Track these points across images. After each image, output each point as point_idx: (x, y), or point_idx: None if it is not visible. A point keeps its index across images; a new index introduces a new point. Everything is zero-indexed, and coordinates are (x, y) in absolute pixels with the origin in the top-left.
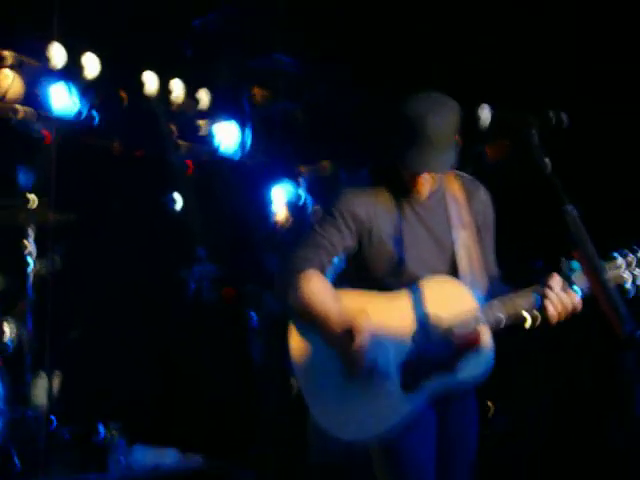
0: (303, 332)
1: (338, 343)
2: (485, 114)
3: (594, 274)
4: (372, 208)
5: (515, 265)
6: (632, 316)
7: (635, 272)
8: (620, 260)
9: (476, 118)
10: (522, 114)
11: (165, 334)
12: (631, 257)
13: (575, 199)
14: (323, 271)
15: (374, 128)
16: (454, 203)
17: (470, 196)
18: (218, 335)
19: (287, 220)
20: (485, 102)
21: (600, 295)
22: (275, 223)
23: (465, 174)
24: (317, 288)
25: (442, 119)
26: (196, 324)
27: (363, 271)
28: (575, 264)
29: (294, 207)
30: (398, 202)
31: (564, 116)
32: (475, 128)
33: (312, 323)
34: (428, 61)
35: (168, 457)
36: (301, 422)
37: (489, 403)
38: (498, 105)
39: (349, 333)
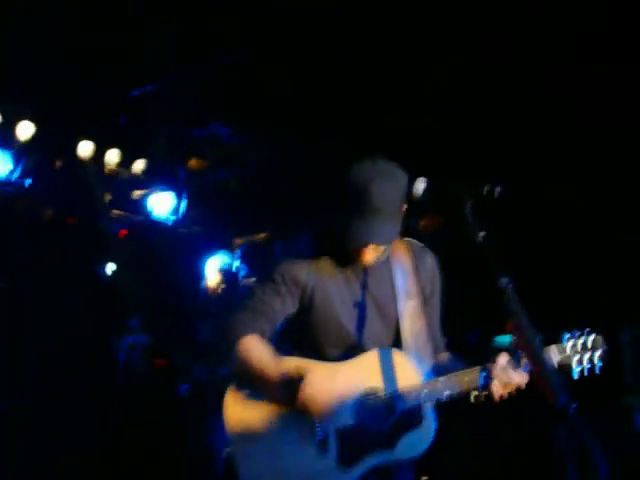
0: (243, 400)
1: (280, 397)
2: (421, 187)
3: (528, 347)
4: (314, 275)
5: (450, 337)
6: (566, 389)
7: (584, 355)
8: (571, 341)
9: (412, 190)
10: (457, 187)
11: (96, 403)
12: (582, 338)
13: (511, 271)
14: (263, 337)
15: (315, 197)
16: (401, 271)
17: (418, 263)
18: (148, 405)
19: (219, 287)
20: (421, 175)
21: (535, 368)
22: (206, 289)
23: (413, 240)
24: (257, 349)
25: (388, 187)
26: (126, 394)
27: (304, 338)
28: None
29: (227, 275)
30: (342, 270)
31: (498, 189)
32: (410, 200)
33: (252, 383)
34: (365, 133)
35: None
36: None
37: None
38: (434, 178)
39: (291, 385)
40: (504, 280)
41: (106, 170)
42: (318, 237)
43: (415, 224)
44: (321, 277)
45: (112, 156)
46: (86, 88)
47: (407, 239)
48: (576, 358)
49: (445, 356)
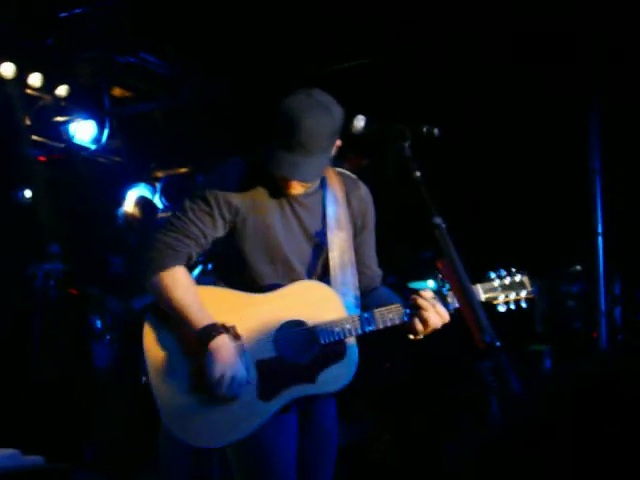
0: (160, 332)
1: (194, 350)
2: (360, 124)
3: (458, 284)
4: (248, 199)
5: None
6: (492, 327)
7: (509, 295)
8: (496, 281)
9: (351, 128)
10: (396, 126)
11: (8, 333)
12: (507, 279)
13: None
14: (190, 259)
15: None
16: (332, 202)
17: (350, 195)
18: (61, 336)
19: (136, 215)
20: (360, 113)
21: (463, 305)
22: (123, 216)
23: (347, 172)
24: (179, 285)
25: (318, 123)
26: (40, 324)
27: (235, 261)
28: (448, 285)
29: (146, 206)
30: (274, 197)
31: (436, 130)
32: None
33: (173, 321)
34: (301, 68)
35: (6, 456)
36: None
37: None
38: (372, 117)
39: (205, 339)
40: (437, 219)
41: (28, 95)
42: (250, 164)
43: (339, 165)
44: (253, 203)
45: (35, 79)
46: (11, 7)
47: (341, 170)
48: (502, 297)
49: (379, 290)
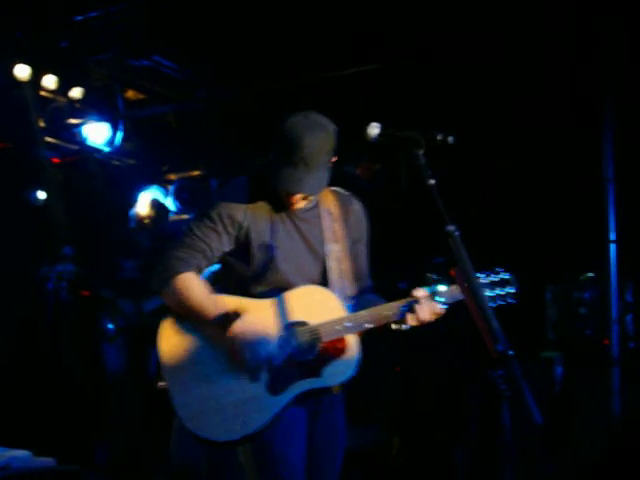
0: (176, 334)
1: (215, 333)
2: (375, 131)
3: (471, 293)
4: (251, 215)
5: (382, 282)
6: (505, 335)
7: (496, 291)
8: (483, 280)
9: (365, 135)
10: (410, 133)
11: (20, 335)
12: (493, 278)
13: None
14: (200, 273)
15: (252, 142)
16: (328, 218)
17: (345, 211)
18: (72, 338)
19: (148, 218)
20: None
21: (476, 314)
22: (135, 218)
23: (340, 190)
24: (195, 286)
25: (317, 141)
26: (51, 326)
27: (239, 275)
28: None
29: (159, 209)
30: (276, 212)
31: (450, 138)
32: (356, 146)
33: (189, 317)
34: (315, 75)
35: (18, 457)
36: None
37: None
38: (387, 124)
39: (225, 321)
40: (451, 227)
41: (42, 97)
42: (253, 181)
43: (352, 170)
44: (256, 218)
45: (49, 81)
46: (26, 10)
47: (334, 188)
48: (489, 293)
49: (372, 296)
